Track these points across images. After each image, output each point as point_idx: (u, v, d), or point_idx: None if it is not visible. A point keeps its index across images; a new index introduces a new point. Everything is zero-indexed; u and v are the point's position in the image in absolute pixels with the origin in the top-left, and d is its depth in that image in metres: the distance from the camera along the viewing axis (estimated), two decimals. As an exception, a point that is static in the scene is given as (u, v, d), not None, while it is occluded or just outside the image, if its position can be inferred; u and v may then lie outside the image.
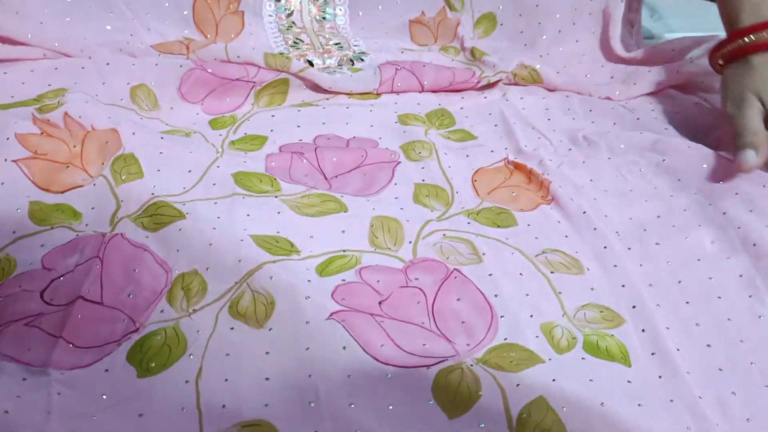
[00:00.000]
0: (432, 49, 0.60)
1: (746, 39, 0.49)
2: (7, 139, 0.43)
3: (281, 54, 0.54)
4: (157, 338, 0.34)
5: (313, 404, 0.32)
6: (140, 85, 0.50)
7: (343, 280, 0.37)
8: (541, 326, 0.36)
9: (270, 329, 0.35)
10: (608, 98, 0.56)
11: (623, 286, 0.39)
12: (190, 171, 0.44)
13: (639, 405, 0.33)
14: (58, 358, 0.33)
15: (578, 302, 0.38)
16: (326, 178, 0.46)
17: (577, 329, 0.36)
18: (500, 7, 0.61)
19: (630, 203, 0.45)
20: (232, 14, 0.57)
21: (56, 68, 0.50)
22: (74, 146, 0.44)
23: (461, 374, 0.33)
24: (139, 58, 0.51)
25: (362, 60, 0.57)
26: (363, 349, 0.34)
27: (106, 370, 0.33)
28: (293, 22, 0.59)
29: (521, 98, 0.55)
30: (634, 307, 0.38)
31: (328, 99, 0.53)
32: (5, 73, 0.49)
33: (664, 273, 0.40)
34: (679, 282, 0.40)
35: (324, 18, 0.59)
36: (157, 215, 0.40)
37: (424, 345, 0.34)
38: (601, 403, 0.32)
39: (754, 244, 0.41)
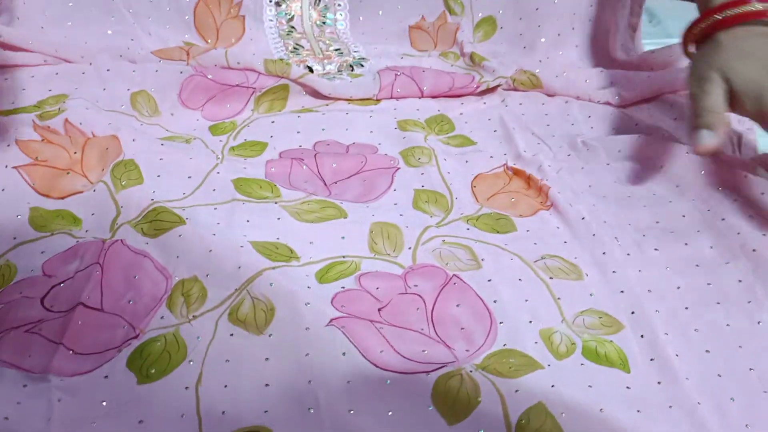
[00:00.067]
0: (432, 54, 0.60)
1: (717, 16, 0.46)
2: (8, 145, 0.43)
3: (281, 60, 0.55)
4: (157, 344, 0.34)
5: (312, 410, 0.32)
6: (140, 91, 0.50)
7: (343, 287, 0.38)
8: (540, 332, 0.36)
9: (270, 335, 0.35)
10: (607, 103, 0.56)
11: (622, 291, 0.39)
12: (190, 177, 0.44)
13: (638, 411, 0.33)
14: (59, 365, 0.33)
15: (577, 308, 0.38)
16: (326, 184, 0.46)
17: (576, 335, 0.36)
18: (500, 11, 0.61)
19: (629, 209, 0.45)
20: (233, 19, 0.57)
21: (57, 74, 0.51)
22: (75, 152, 0.44)
23: (460, 380, 0.33)
24: (140, 64, 0.51)
25: (362, 66, 0.57)
26: (362, 355, 0.34)
27: (106, 377, 0.33)
28: (293, 27, 0.59)
29: (520, 104, 0.55)
30: (632, 312, 0.38)
31: (327, 105, 0.54)
32: (6, 79, 0.50)
33: (663, 279, 0.40)
34: (678, 288, 0.40)
35: (324, 23, 0.60)
36: (157, 221, 0.40)
37: (423, 351, 0.34)
38: (600, 409, 0.32)
39: (754, 250, 0.41)
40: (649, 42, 0.64)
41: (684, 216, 0.44)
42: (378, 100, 0.54)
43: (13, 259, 0.38)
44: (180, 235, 0.39)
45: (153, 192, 0.42)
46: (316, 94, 0.54)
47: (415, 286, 0.38)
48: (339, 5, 0.60)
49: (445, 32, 0.61)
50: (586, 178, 0.47)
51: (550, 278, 0.40)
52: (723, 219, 0.43)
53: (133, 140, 0.45)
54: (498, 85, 0.56)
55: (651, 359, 0.35)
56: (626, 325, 0.37)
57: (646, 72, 0.57)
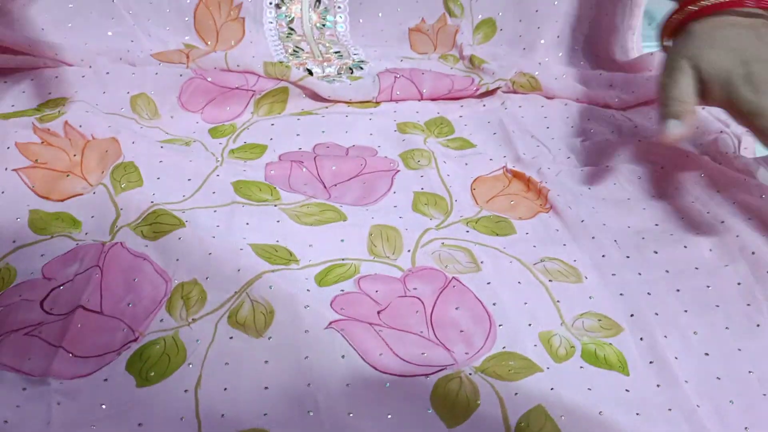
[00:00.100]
0: (431, 57, 0.60)
1: (692, 7, 0.45)
2: (8, 148, 0.43)
3: (281, 63, 0.55)
4: (157, 347, 0.34)
5: (312, 413, 0.32)
6: (140, 94, 0.50)
7: (342, 290, 0.38)
8: (539, 335, 0.36)
9: (269, 338, 0.35)
10: (607, 106, 0.56)
11: (621, 294, 0.39)
12: (189, 179, 0.44)
13: (637, 414, 0.33)
14: (58, 368, 0.33)
15: (576, 311, 0.38)
16: (325, 187, 0.46)
17: (576, 338, 0.36)
18: (500, 13, 0.61)
19: (628, 211, 0.45)
20: (233, 21, 0.57)
21: (57, 77, 0.51)
22: (74, 155, 0.44)
23: (460, 383, 0.33)
24: (140, 67, 0.51)
25: (361, 68, 0.57)
26: (362, 358, 0.34)
27: (106, 380, 0.33)
28: (293, 30, 0.59)
29: (520, 106, 0.55)
30: (632, 315, 0.38)
31: (327, 107, 0.54)
32: (5, 82, 0.50)
33: (662, 281, 0.40)
34: (678, 290, 0.40)
35: (324, 25, 0.60)
36: (157, 224, 0.40)
37: (422, 354, 0.34)
38: (600, 412, 0.32)
39: (753, 253, 0.41)
40: (648, 44, 0.65)
41: (683, 218, 0.44)
42: (377, 103, 0.54)
43: (12, 262, 0.38)
44: (180, 238, 0.39)
45: (153, 194, 0.42)
46: (315, 96, 0.54)
47: (415, 288, 0.38)
48: (339, 7, 0.60)
49: (444, 34, 0.61)
50: (586, 180, 0.47)
51: (550, 281, 0.40)
52: (722, 222, 0.43)
53: (133, 143, 0.45)
54: (497, 88, 0.56)
55: (650, 362, 0.35)
56: (625, 328, 0.37)
57: (646, 74, 0.57)
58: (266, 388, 0.33)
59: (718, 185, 0.46)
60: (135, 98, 0.50)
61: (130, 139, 0.46)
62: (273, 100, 0.53)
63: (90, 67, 0.51)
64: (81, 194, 0.43)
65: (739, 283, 0.40)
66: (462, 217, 0.44)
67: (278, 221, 0.42)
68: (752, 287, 0.40)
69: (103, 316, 0.35)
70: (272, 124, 0.51)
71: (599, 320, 0.38)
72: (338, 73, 0.56)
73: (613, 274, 0.40)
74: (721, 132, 0.51)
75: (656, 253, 0.42)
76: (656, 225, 0.44)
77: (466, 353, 0.35)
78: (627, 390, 0.34)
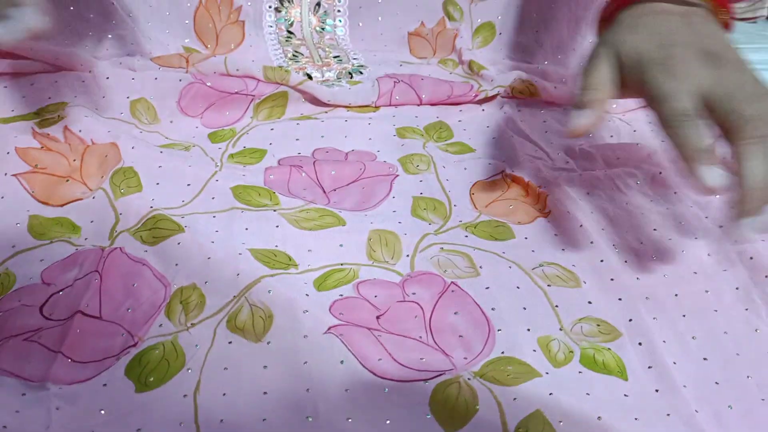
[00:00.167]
0: (431, 62, 0.60)
1: None
2: (8, 153, 0.43)
3: (280, 67, 0.55)
4: (156, 352, 0.34)
5: (311, 419, 0.32)
6: (140, 99, 0.50)
7: (341, 295, 0.38)
8: (538, 340, 0.36)
9: (268, 343, 0.35)
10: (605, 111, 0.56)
11: (620, 299, 0.39)
12: (189, 184, 0.45)
13: (636, 419, 0.33)
14: (57, 373, 0.33)
15: (575, 316, 0.38)
16: (325, 192, 0.46)
17: (574, 343, 0.37)
18: (499, 17, 0.61)
19: (627, 216, 0.45)
20: (233, 24, 0.57)
21: (56, 81, 0.51)
22: (74, 160, 0.44)
23: (458, 388, 0.33)
24: (139, 72, 0.51)
25: (361, 73, 0.57)
26: (361, 363, 0.34)
27: (105, 385, 0.33)
28: (292, 34, 0.59)
29: (519, 111, 0.56)
30: (630, 320, 0.38)
31: (326, 112, 0.54)
32: (5, 87, 0.50)
33: (661, 286, 0.40)
34: (676, 295, 0.40)
35: (324, 29, 0.60)
36: (156, 228, 0.40)
37: (421, 359, 0.34)
38: (598, 417, 0.32)
39: (751, 258, 0.41)
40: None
41: (681, 223, 0.44)
42: (377, 108, 0.55)
43: (12, 268, 0.38)
44: (179, 243, 0.39)
45: (152, 199, 0.43)
46: (315, 101, 0.54)
47: (414, 293, 0.38)
48: (338, 11, 0.60)
49: (443, 38, 0.61)
50: (584, 185, 0.47)
51: (548, 286, 0.40)
52: (720, 226, 0.43)
53: (133, 148, 0.46)
54: (497, 94, 0.56)
55: (649, 367, 0.36)
56: (624, 333, 0.37)
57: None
58: (265, 393, 0.33)
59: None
60: (134, 103, 0.50)
61: (130, 144, 0.46)
62: (272, 105, 0.53)
63: (90, 71, 0.51)
64: (80, 199, 0.43)
65: (737, 288, 0.40)
66: (461, 221, 0.44)
67: (277, 226, 0.42)
68: (750, 292, 0.40)
69: (103, 322, 0.35)
70: (272, 129, 0.52)
71: (598, 325, 0.38)
72: (338, 78, 0.57)
73: (612, 279, 0.40)
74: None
75: (654, 257, 0.42)
76: (654, 230, 0.44)
77: (465, 358, 0.35)
78: (626, 395, 0.34)
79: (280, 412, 0.32)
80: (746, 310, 0.39)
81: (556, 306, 0.38)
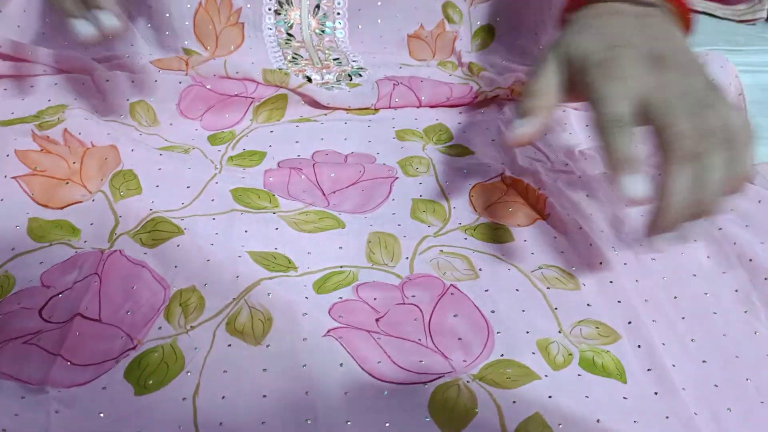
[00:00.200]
0: (430, 64, 0.60)
1: None
2: (7, 155, 0.43)
3: (279, 70, 0.55)
4: (155, 355, 0.34)
5: (310, 422, 0.32)
6: (139, 101, 0.50)
7: (341, 297, 0.38)
8: (537, 342, 0.36)
9: (267, 346, 0.35)
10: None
11: (619, 301, 0.39)
12: (188, 187, 0.45)
13: (634, 422, 0.33)
14: (57, 376, 0.33)
15: (574, 318, 0.38)
16: (324, 194, 0.46)
17: (574, 345, 0.37)
18: (498, 19, 0.62)
19: (626, 218, 0.45)
20: (232, 26, 0.57)
21: (56, 84, 0.51)
22: (74, 162, 0.44)
23: (458, 391, 0.33)
24: (139, 74, 0.51)
25: (360, 75, 0.57)
26: (360, 366, 0.34)
27: (104, 388, 0.33)
28: (292, 36, 0.59)
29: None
30: (629, 322, 0.38)
31: (326, 114, 0.54)
32: (5, 89, 0.50)
33: (660, 288, 0.40)
34: (675, 297, 0.40)
35: (323, 32, 0.60)
36: (156, 231, 0.40)
37: (421, 362, 0.34)
38: (597, 420, 0.32)
39: (750, 260, 0.41)
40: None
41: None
42: (376, 110, 0.55)
43: (11, 270, 0.38)
44: (178, 245, 0.39)
45: (151, 202, 0.43)
46: (314, 103, 0.54)
47: (413, 296, 0.38)
48: (338, 14, 0.60)
49: (443, 41, 0.61)
50: (584, 187, 0.47)
51: (548, 288, 0.40)
52: (720, 228, 0.43)
53: (132, 150, 0.46)
54: (496, 96, 0.56)
55: (648, 369, 0.36)
56: (623, 335, 0.37)
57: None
58: (264, 396, 0.33)
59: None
60: (134, 105, 0.50)
61: (130, 146, 0.46)
62: (272, 107, 0.53)
63: (89, 74, 0.51)
64: (80, 202, 0.43)
65: (736, 290, 0.40)
66: (460, 224, 0.44)
67: (277, 228, 0.42)
68: (750, 294, 0.40)
69: (102, 324, 0.35)
70: (271, 131, 0.52)
71: (597, 327, 0.38)
72: (337, 80, 0.57)
73: (611, 282, 0.40)
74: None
75: (654, 260, 0.42)
76: (654, 232, 0.44)
77: (464, 361, 0.35)
78: (625, 397, 0.34)
79: (280, 414, 0.32)
80: (745, 312, 0.39)
81: (556, 308, 0.38)
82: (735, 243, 0.42)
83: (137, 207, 0.42)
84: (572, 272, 0.41)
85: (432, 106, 0.56)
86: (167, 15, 0.56)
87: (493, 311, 0.38)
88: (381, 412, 0.32)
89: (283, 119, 0.53)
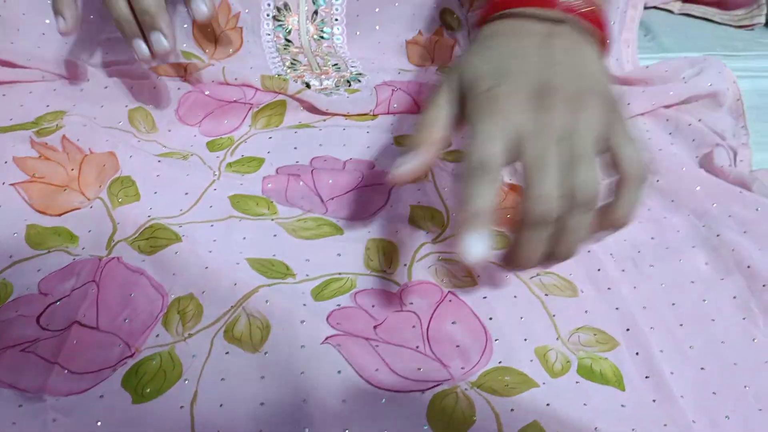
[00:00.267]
0: (429, 69, 0.60)
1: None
2: (5, 162, 0.43)
3: (278, 76, 0.55)
4: (153, 363, 0.34)
5: (307, 430, 0.32)
6: (138, 107, 0.50)
7: (339, 304, 0.38)
8: (535, 350, 0.36)
9: (265, 353, 0.35)
10: (603, 118, 0.56)
11: (617, 308, 0.39)
12: (186, 193, 0.45)
13: (633, 429, 0.33)
14: (54, 384, 0.33)
15: (572, 325, 0.38)
16: (322, 201, 0.46)
17: (572, 352, 0.37)
18: None
19: (624, 224, 0.45)
20: (231, 30, 0.57)
21: (54, 90, 0.51)
22: (72, 169, 0.44)
23: (456, 399, 0.33)
24: (138, 80, 0.52)
25: (359, 81, 0.57)
26: (358, 373, 0.34)
27: (102, 396, 0.33)
28: (290, 41, 0.59)
29: (517, 119, 0.56)
30: (627, 329, 0.38)
31: (325, 120, 0.54)
32: (4, 95, 0.50)
33: (658, 295, 0.40)
34: (673, 304, 0.40)
35: (322, 37, 0.60)
36: (154, 238, 0.40)
37: (419, 369, 0.34)
38: (595, 428, 0.32)
39: (749, 266, 0.41)
40: (644, 56, 0.65)
41: (679, 231, 0.44)
42: (375, 116, 0.55)
43: (9, 278, 0.38)
44: (176, 252, 0.39)
45: (150, 209, 0.43)
46: (313, 109, 0.54)
47: (411, 303, 0.38)
48: (336, 19, 0.60)
49: (441, 47, 0.61)
50: (582, 194, 0.47)
51: (546, 295, 0.40)
52: (718, 235, 0.43)
53: (131, 157, 0.46)
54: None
55: (646, 377, 0.36)
56: (621, 342, 0.37)
57: (641, 87, 0.57)
58: (262, 404, 0.33)
59: (714, 198, 0.46)
60: (133, 112, 0.50)
61: (128, 153, 0.46)
62: (271, 113, 0.53)
63: (88, 80, 0.51)
64: (78, 209, 0.43)
65: (734, 297, 0.40)
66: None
67: (275, 235, 0.42)
68: (748, 301, 0.40)
69: (100, 332, 0.35)
70: (270, 137, 0.52)
71: (595, 335, 0.38)
72: (336, 86, 0.57)
73: (609, 288, 0.40)
74: (717, 145, 0.52)
75: (652, 266, 0.42)
76: (652, 238, 0.44)
77: (462, 368, 0.35)
78: (623, 405, 0.34)
79: (277, 422, 0.32)
80: (744, 319, 0.39)
81: (554, 315, 0.38)
82: (733, 250, 0.42)
83: (135, 214, 0.42)
84: (570, 279, 0.41)
85: (430, 112, 0.55)
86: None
87: (491, 318, 0.38)
88: (379, 420, 0.32)
89: (281, 125, 0.53)
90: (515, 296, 0.39)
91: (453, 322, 0.37)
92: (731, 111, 0.57)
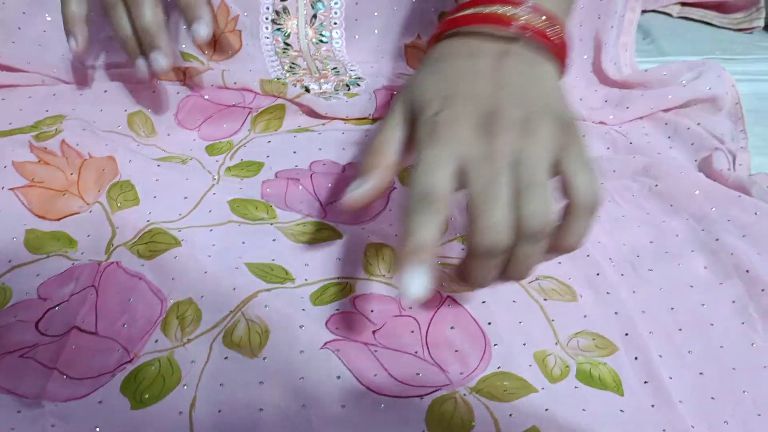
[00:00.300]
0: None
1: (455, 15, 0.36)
2: (5, 167, 0.43)
3: (277, 79, 0.55)
4: (152, 368, 0.34)
5: (306, 435, 0.32)
6: (137, 111, 0.50)
7: (337, 309, 0.38)
8: (534, 355, 0.36)
9: (264, 359, 0.35)
10: (602, 122, 0.56)
11: (616, 313, 0.39)
12: (186, 198, 0.45)
13: (631, 435, 0.33)
14: (53, 390, 0.33)
15: (571, 330, 0.38)
16: (322, 205, 0.46)
17: (570, 357, 0.37)
18: None
19: (623, 229, 0.45)
20: (230, 32, 0.57)
21: (54, 94, 0.51)
22: (71, 174, 0.44)
23: (454, 404, 0.33)
24: (137, 84, 0.52)
25: (358, 85, 0.57)
26: (357, 378, 0.34)
27: (100, 402, 0.33)
28: (289, 45, 0.59)
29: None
30: (626, 334, 0.38)
31: (324, 124, 0.54)
32: (3, 99, 0.50)
33: (657, 299, 0.40)
34: (672, 309, 0.40)
35: (321, 41, 0.60)
36: (153, 243, 0.40)
37: (417, 374, 0.34)
38: (594, 433, 0.32)
39: (747, 271, 0.41)
40: (643, 60, 0.65)
41: (678, 235, 0.44)
42: (374, 120, 0.55)
43: (8, 282, 0.38)
44: (175, 257, 0.39)
45: (149, 213, 0.43)
46: (312, 113, 0.54)
47: (410, 308, 0.38)
48: (335, 23, 0.60)
49: (440, 51, 0.61)
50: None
51: (544, 300, 0.40)
52: (717, 239, 0.43)
53: (130, 161, 0.46)
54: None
55: (645, 382, 0.36)
56: (620, 347, 0.37)
57: (640, 91, 0.58)
58: (261, 409, 0.33)
59: (713, 202, 0.46)
60: (132, 116, 0.50)
61: (127, 157, 0.46)
62: (270, 117, 0.53)
63: (88, 84, 0.51)
64: (77, 213, 0.43)
65: (733, 301, 0.40)
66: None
67: (274, 240, 0.42)
68: (747, 305, 0.40)
69: (98, 337, 0.35)
70: (269, 141, 0.52)
71: (594, 339, 0.38)
72: (335, 90, 0.57)
73: (608, 293, 0.40)
74: (716, 148, 0.52)
75: (651, 270, 0.42)
76: (651, 242, 0.44)
77: (461, 373, 0.35)
78: (622, 410, 0.34)
79: (276, 428, 0.32)
80: (742, 323, 0.39)
81: (553, 320, 0.38)
82: (732, 254, 0.42)
83: (134, 218, 0.42)
84: (569, 283, 0.41)
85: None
86: (165, 18, 0.56)
87: (489, 323, 0.38)
88: (378, 425, 0.32)
89: (281, 129, 0.53)
90: (514, 301, 0.39)
91: (452, 327, 0.37)
92: (730, 115, 0.57)
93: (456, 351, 0.36)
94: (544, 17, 0.36)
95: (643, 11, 0.78)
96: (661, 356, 0.37)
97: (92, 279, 0.38)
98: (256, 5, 0.57)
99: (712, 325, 0.39)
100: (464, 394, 0.33)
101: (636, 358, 0.37)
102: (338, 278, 0.40)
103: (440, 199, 0.30)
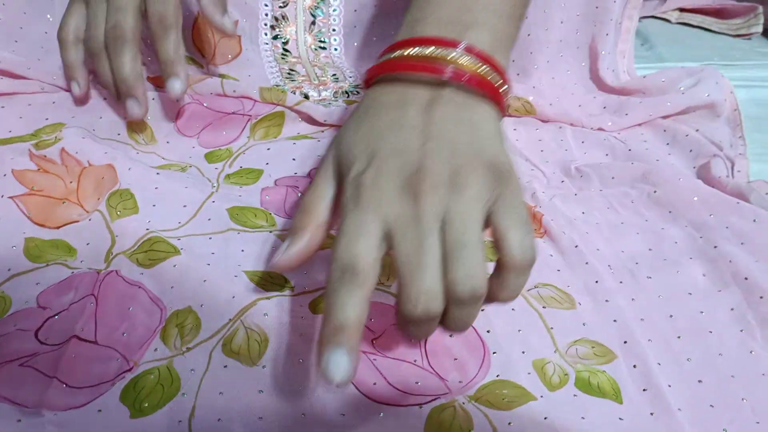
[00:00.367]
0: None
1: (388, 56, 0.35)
2: (4, 175, 0.43)
3: (276, 87, 0.55)
4: (151, 377, 0.34)
5: (305, 444, 0.32)
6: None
7: (336, 318, 0.38)
8: (533, 362, 0.36)
9: (263, 367, 0.35)
10: (600, 129, 0.56)
11: (615, 321, 0.39)
12: (185, 206, 0.45)
13: (630, 443, 0.33)
14: (52, 399, 0.33)
15: (570, 338, 0.38)
16: (320, 213, 0.46)
17: (569, 365, 0.37)
18: None
19: (621, 236, 0.45)
20: (230, 38, 0.57)
21: (54, 102, 0.51)
22: (71, 182, 0.44)
23: (454, 412, 0.33)
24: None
25: (357, 92, 0.58)
26: (356, 387, 0.34)
27: (100, 411, 0.33)
28: (288, 51, 0.59)
29: (514, 129, 0.56)
30: (625, 342, 0.38)
31: (323, 131, 0.54)
32: (3, 107, 0.50)
33: (656, 307, 0.40)
34: (671, 316, 0.40)
35: (320, 47, 0.60)
36: (152, 251, 0.41)
37: (416, 383, 0.34)
38: (593, 442, 0.32)
39: (746, 278, 0.41)
40: (641, 66, 0.65)
41: (676, 243, 0.44)
42: None
43: (7, 291, 0.38)
44: (174, 265, 0.40)
45: (148, 221, 0.43)
46: (311, 120, 0.54)
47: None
48: (333, 30, 0.60)
49: (439, 57, 0.61)
50: (579, 205, 0.48)
51: (543, 307, 0.40)
52: (715, 246, 0.43)
53: (129, 169, 0.46)
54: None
55: (644, 389, 0.36)
56: (619, 355, 0.37)
57: (639, 97, 0.58)
58: (260, 418, 0.33)
59: (712, 209, 0.46)
60: (132, 123, 0.50)
61: (127, 165, 0.46)
62: (269, 124, 0.54)
63: (87, 91, 0.51)
64: (77, 221, 0.43)
65: (732, 309, 0.40)
66: None
67: (273, 247, 0.42)
68: (745, 313, 0.40)
69: (98, 346, 0.35)
70: (268, 149, 0.52)
71: (593, 347, 0.38)
72: (334, 97, 0.57)
73: (607, 300, 0.40)
74: (715, 155, 0.52)
75: (649, 278, 0.42)
76: (650, 250, 0.44)
77: (460, 381, 0.35)
78: (620, 418, 0.34)
79: (275, 437, 0.32)
80: (741, 331, 0.39)
81: (551, 328, 0.38)
82: (730, 261, 0.42)
83: (134, 227, 0.42)
84: (568, 291, 0.41)
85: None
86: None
87: (488, 331, 0.38)
88: (377, 435, 0.32)
89: (280, 136, 0.53)
90: (513, 309, 0.39)
91: (451, 335, 0.37)
92: (729, 121, 0.57)
93: (455, 359, 0.36)
94: (479, 61, 0.34)
95: (642, 17, 0.78)
96: (659, 364, 0.37)
97: (92, 288, 0.38)
98: (255, 11, 0.58)
99: (710, 332, 0.39)
100: (463, 403, 0.33)
101: (635, 366, 0.37)
102: (337, 286, 0.40)
103: (364, 270, 0.28)
